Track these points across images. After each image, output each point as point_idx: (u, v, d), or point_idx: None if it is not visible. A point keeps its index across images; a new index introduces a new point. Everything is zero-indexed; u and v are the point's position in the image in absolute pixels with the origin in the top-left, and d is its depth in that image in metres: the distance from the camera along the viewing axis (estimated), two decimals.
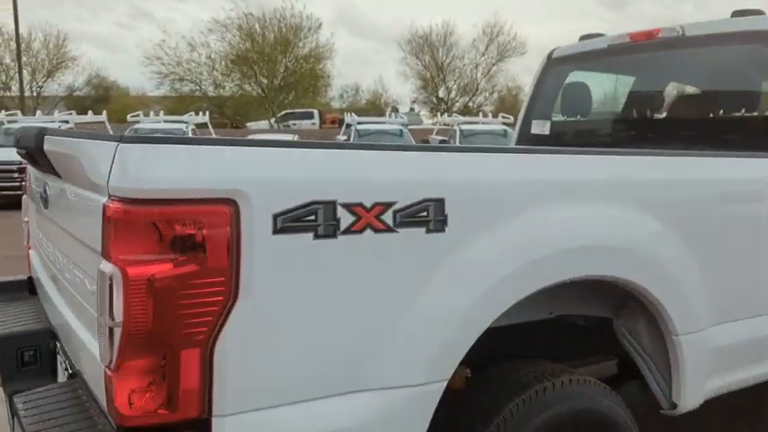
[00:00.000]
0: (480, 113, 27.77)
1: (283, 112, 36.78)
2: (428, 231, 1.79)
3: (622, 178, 2.23)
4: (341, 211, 1.64)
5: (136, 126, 19.16)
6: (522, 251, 1.94)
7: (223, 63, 37.76)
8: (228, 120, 38.67)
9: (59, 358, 2.42)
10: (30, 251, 3.01)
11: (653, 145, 3.58)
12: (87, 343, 1.80)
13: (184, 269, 1.47)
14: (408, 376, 1.78)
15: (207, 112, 22.81)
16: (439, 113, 35.84)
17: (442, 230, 1.81)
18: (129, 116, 21.37)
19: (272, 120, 35.40)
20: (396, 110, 35.36)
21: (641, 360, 2.53)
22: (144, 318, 1.46)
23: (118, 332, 1.47)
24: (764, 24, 3.17)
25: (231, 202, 1.51)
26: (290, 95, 40.38)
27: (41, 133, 1.85)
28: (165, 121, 20.64)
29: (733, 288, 2.54)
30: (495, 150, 2.04)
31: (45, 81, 41.67)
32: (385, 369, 1.75)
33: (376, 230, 1.70)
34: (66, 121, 18.64)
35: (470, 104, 43.70)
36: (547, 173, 2.04)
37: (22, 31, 34.21)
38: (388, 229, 1.72)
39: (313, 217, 1.61)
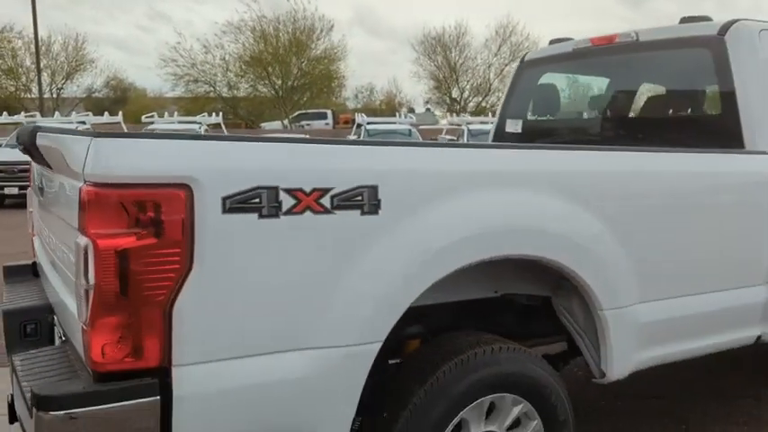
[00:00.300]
0: (490, 114, 28.00)
1: (297, 113, 37.28)
2: (363, 213, 2.08)
3: (545, 169, 2.50)
4: (283, 195, 1.94)
5: (150, 126, 19.63)
6: (449, 232, 2.23)
7: (237, 64, 38.36)
8: (242, 120, 39.22)
9: (56, 330, 2.74)
10: (33, 238, 3.34)
11: (611, 141, 3.85)
12: (72, 310, 2.11)
13: (145, 242, 1.78)
14: (345, 337, 2.07)
15: (220, 113, 23.28)
16: (451, 114, 36.04)
17: (376, 213, 2.10)
18: (143, 117, 21.89)
19: (286, 120, 35.85)
20: (412, 110, 35.64)
21: (576, 334, 2.81)
22: (112, 281, 1.76)
23: (91, 294, 1.78)
24: (710, 30, 3.42)
25: (186, 187, 1.81)
26: (305, 96, 40.84)
27: (35, 130, 2.17)
28: (180, 122, 21.13)
29: (659, 270, 2.80)
30: (425, 145, 2.33)
31: (64, 83, 42.52)
32: (325, 331, 2.05)
33: (315, 212, 2.00)
34: (84, 122, 19.14)
35: (484, 104, 43.88)
36: (470, 165, 2.34)
37: (42, 33, 35.02)
38: (326, 211, 2.02)
39: (258, 200, 1.91)
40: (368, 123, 19.85)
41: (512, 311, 2.99)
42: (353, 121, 25.57)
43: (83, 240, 1.78)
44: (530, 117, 4.54)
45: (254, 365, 1.96)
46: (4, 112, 21.97)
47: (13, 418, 2.48)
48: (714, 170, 3.01)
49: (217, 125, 21.82)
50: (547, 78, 4.49)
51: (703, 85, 3.49)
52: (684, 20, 3.63)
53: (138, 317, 1.80)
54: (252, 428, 1.99)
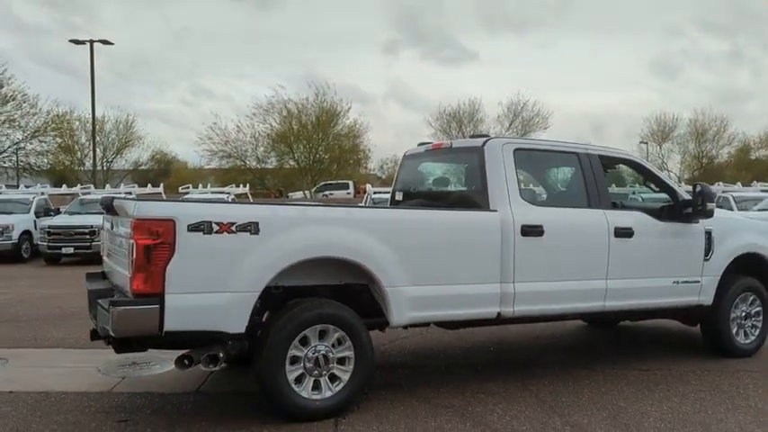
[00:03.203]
0: None
1: (322, 183, 40.65)
2: (251, 234, 4.78)
3: (354, 217, 5.20)
4: (214, 225, 4.66)
5: (186, 196, 22.86)
6: (294, 243, 4.90)
7: (265, 141, 42.19)
8: (268, 190, 42.77)
9: None
10: (104, 256, 6.10)
11: (437, 203, 6.53)
12: (124, 273, 4.81)
13: (156, 242, 4.49)
14: (242, 287, 4.73)
15: (248, 185, 26.52)
16: None
17: (258, 234, 4.80)
18: (180, 188, 25.22)
19: (310, 190, 39.14)
20: None
21: (380, 303, 5.40)
22: (143, 258, 4.48)
23: (134, 263, 4.49)
24: (479, 143, 6.09)
25: (172, 221, 4.54)
26: (334, 167, 44.18)
27: (112, 199, 4.95)
28: (212, 192, 24.37)
29: (422, 270, 5.39)
30: (284, 204, 5.05)
31: (114, 157, 46.88)
32: (234, 284, 4.71)
33: (229, 233, 4.71)
34: (130, 193, 22.48)
35: None
36: (307, 214, 5.05)
37: (97, 113, 39.34)
38: (233, 232, 4.72)
39: (203, 226, 4.62)
40: (373, 193, 22.77)
41: (362, 296, 5.59)
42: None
43: (131, 242, 4.51)
44: (409, 190, 7.24)
45: (202, 296, 4.63)
46: (64, 185, 25.54)
47: (94, 337, 5.21)
48: (459, 219, 5.66)
49: (243, 194, 24.99)
50: (418, 167, 7.22)
51: (475, 174, 6.13)
52: (473, 135, 6.36)
53: (151, 272, 4.51)
54: (199, 323, 4.64)
